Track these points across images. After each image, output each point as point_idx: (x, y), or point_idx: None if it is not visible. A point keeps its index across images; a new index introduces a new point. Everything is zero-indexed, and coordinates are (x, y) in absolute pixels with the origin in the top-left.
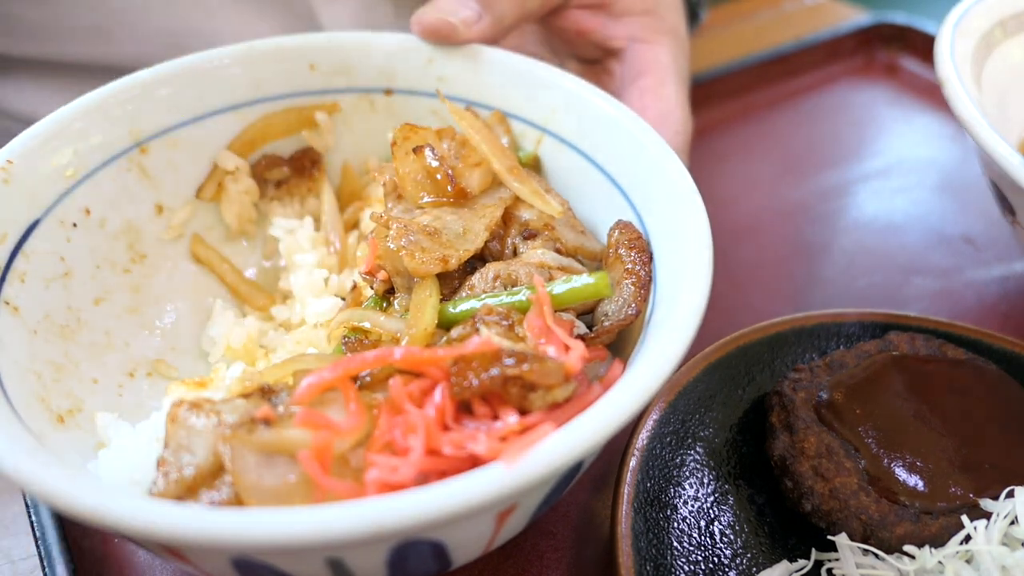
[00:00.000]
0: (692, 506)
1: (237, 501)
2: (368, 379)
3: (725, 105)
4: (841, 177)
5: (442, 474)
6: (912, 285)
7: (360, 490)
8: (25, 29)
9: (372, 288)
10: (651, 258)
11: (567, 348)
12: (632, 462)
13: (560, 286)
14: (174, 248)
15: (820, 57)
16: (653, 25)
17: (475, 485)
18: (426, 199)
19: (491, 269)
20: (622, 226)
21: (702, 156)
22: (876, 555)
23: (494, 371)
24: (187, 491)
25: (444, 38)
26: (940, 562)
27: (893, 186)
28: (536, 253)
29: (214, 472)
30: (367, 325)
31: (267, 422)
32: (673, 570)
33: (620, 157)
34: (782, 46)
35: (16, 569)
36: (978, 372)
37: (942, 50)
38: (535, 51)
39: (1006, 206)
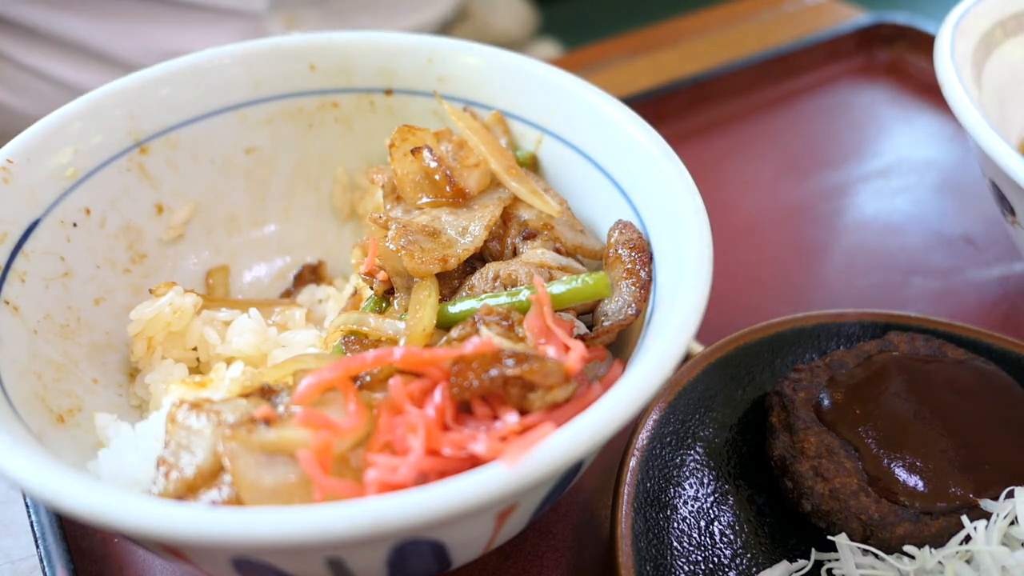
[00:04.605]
0: (692, 506)
1: (237, 501)
2: (368, 379)
3: (725, 105)
4: (841, 177)
5: (442, 474)
6: (912, 285)
7: (360, 490)
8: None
9: (372, 289)
10: (651, 258)
11: (567, 348)
12: (632, 462)
13: (560, 286)
14: (174, 248)
15: (820, 57)
16: None
17: (475, 485)
18: (424, 200)
19: (491, 269)
20: (622, 226)
21: (702, 156)
22: (876, 555)
23: (494, 371)
24: (187, 491)
25: None
26: (940, 562)
27: (893, 186)
28: (536, 253)
29: (214, 472)
30: (365, 329)
31: (267, 422)
32: (673, 570)
33: (620, 157)
34: (782, 46)
35: (16, 569)
36: (978, 372)
37: (942, 50)
38: None
39: (1006, 206)
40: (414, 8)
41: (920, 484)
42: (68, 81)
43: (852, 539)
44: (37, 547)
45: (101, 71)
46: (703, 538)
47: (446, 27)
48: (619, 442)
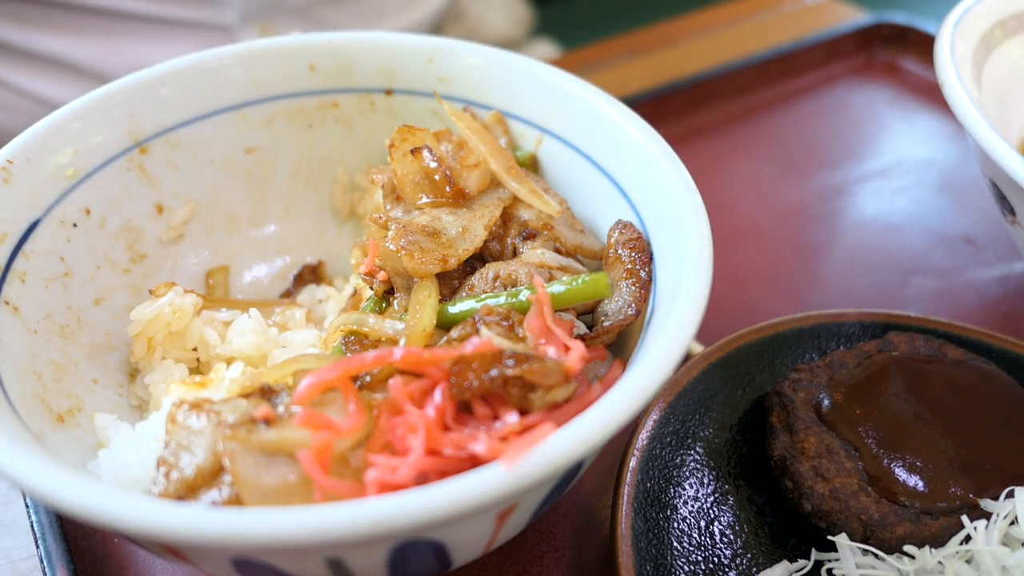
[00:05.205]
0: (692, 506)
1: (237, 501)
2: (368, 379)
3: (725, 105)
4: (841, 177)
5: (442, 474)
6: (912, 285)
7: (360, 490)
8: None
9: (372, 289)
10: (651, 258)
11: (567, 348)
12: (632, 462)
13: (560, 286)
14: (174, 248)
15: (820, 57)
16: None
17: (475, 485)
18: (424, 200)
19: (491, 269)
20: (622, 226)
21: (702, 156)
22: (876, 555)
23: (494, 372)
24: (187, 491)
25: None
26: (940, 562)
27: (893, 186)
28: (536, 253)
29: (214, 472)
30: (365, 329)
31: (267, 422)
32: (673, 570)
33: (620, 157)
34: (782, 46)
35: (16, 569)
36: (978, 372)
37: (942, 50)
38: None
39: (1006, 206)
40: (394, 14)
41: (920, 484)
42: (43, 95)
43: (852, 539)
44: (37, 547)
45: (76, 85)
46: (703, 538)
47: (438, 27)
48: (619, 442)
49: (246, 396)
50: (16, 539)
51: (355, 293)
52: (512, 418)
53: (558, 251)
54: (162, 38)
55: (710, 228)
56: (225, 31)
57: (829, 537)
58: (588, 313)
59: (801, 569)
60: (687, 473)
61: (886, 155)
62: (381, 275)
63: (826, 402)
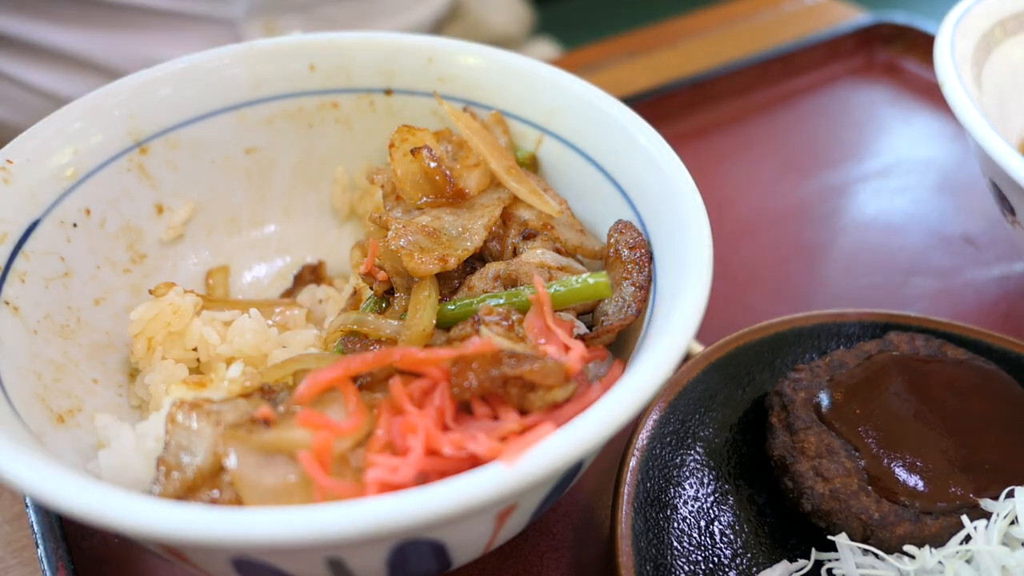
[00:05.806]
0: (692, 506)
1: (237, 501)
2: (368, 379)
3: (725, 105)
4: (841, 177)
5: (442, 474)
6: (912, 285)
7: (360, 490)
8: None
9: (372, 289)
10: (651, 258)
11: (567, 348)
12: (632, 462)
13: (560, 286)
14: (174, 248)
15: (820, 57)
16: None
17: (475, 485)
18: (424, 200)
19: (491, 269)
20: (622, 226)
21: (702, 156)
22: (876, 555)
23: (494, 371)
24: (187, 491)
25: None
26: (940, 562)
27: (893, 186)
28: (536, 253)
29: (214, 472)
30: (365, 329)
31: (267, 422)
32: (673, 570)
33: (620, 157)
34: (782, 46)
35: (17, 569)
36: (978, 372)
37: (942, 50)
38: None
39: (1006, 206)
40: (396, 12)
41: (920, 484)
42: (49, 90)
43: (852, 539)
44: (37, 547)
45: (82, 79)
46: (703, 538)
47: (439, 27)
48: (619, 442)
49: (246, 396)
50: (16, 539)
51: (355, 293)
52: (512, 418)
53: (558, 251)
54: (168, 32)
55: (710, 228)
56: (231, 26)
57: (829, 537)
58: (588, 313)
59: (801, 569)
60: (687, 473)
61: (886, 155)
62: (381, 275)
63: (826, 402)
